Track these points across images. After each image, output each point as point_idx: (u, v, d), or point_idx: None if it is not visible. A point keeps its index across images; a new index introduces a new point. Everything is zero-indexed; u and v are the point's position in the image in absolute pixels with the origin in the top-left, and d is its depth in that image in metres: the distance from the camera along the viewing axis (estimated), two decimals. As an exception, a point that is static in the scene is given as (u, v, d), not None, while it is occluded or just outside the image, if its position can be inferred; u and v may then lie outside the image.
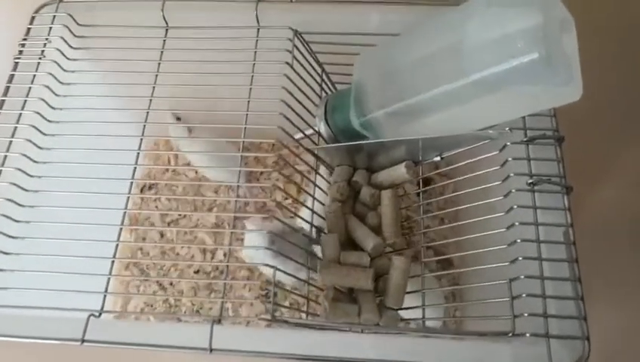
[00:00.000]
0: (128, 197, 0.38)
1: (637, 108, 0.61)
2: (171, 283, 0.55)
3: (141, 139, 0.39)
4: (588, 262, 0.34)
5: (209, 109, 0.40)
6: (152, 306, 0.53)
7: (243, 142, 0.38)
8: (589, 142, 0.57)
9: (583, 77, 0.31)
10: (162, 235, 0.57)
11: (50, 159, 0.39)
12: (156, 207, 0.58)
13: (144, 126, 0.39)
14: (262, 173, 0.57)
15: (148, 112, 0.40)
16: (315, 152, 0.44)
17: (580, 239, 0.33)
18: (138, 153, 0.38)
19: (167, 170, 0.60)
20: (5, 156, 0.38)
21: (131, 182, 0.38)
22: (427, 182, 0.43)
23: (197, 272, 0.55)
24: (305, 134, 0.44)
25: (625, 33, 0.64)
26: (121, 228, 0.38)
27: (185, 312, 0.52)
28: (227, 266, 0.35)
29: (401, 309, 0.40)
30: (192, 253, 0.56)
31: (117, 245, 0.37)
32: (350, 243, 0.44)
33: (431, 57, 0.35)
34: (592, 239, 0.40)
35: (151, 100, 0.41)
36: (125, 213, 0.38)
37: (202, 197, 0.59)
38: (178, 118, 0.54)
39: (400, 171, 0.43)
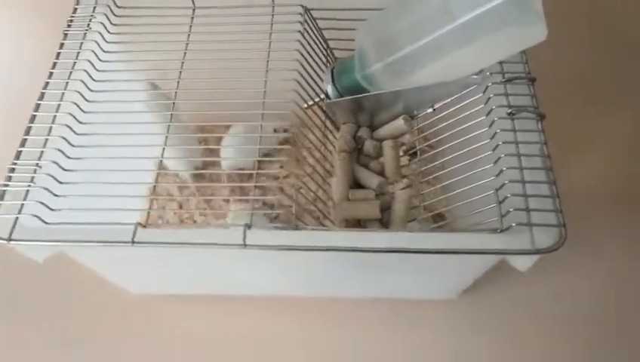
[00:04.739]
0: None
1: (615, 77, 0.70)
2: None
3: (170, 115, 0.45)
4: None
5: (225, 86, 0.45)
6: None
7: (263, 114, 0.44)
8: (570, 111, 0.66)
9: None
10: (181, 206, 0.62)
11: (92, 120, 0.44)
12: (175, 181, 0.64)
13: (173, 104, 0.45)
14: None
15: (176, 92, 0.46)
16: (324, 108, 0.50)
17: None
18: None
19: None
20: (55, 116, 0.44)
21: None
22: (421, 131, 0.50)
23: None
24: (314, 101, 0.50)
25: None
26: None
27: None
28: (256, 173, 0.40)
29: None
30: (208, 221, 0.61)
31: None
32: (357, 187, 0.50)
33: (422, 12, 0.42)
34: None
35: (179, 82, 0.46)
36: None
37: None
38: (155, 86, 0.53)
39: (398, 123, 0.49)
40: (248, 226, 0.37)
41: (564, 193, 0.60)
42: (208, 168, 0.64)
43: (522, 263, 0.38)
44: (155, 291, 0.58)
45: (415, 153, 0.55)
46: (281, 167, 0.64)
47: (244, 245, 0.36)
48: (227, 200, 0.61)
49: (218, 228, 0.38)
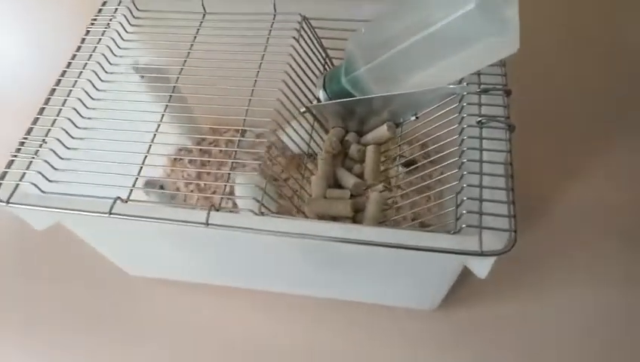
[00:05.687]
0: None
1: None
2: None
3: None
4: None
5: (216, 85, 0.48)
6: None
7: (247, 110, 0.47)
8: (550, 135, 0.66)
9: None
10: (185, 199, 0.66)
11: (99, 107, 0.49)
12: (182, 175, 0.68)
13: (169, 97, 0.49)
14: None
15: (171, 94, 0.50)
16: (313, 111, 0.53)
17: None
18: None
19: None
20: (65, 100, 0.49)
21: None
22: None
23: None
24: (306, 107, 0.52)
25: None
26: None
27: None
28: (232, 163, 0.43)
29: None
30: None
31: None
32: (337, 187, 0.51)
33: (405, 22, 0.45)
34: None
35: (178, 77, 0.51)
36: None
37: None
38: (142, 76, 0.56)
39: (382, 130, 0.51)
40: (215, 209, 0.40)
41: (552, 213, 0.60)
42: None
43: (479, 269, 0.39)
44: (152, 275, 0.61)
45: (412, 162, 0.56)
46: (282, 171, 0.67)
47: (207, 224, 0.39)
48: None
49: (185, 208, 0.41)
